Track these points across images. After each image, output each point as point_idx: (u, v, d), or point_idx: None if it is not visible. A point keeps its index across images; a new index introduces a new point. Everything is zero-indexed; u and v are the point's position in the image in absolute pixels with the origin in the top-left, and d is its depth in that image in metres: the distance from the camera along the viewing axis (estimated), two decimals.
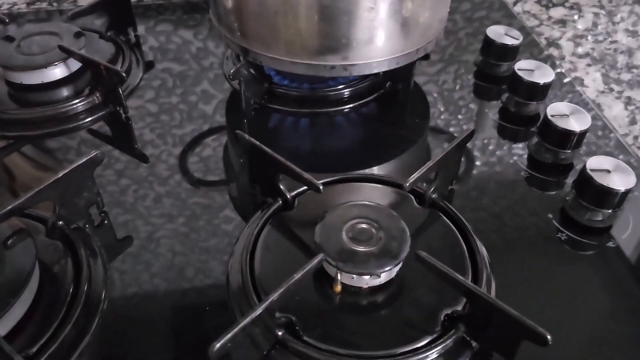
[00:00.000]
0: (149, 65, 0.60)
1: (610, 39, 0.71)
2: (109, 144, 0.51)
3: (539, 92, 0.53)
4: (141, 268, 0.40)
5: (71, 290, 0.36)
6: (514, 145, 0.52)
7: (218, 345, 0.29)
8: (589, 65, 0.66)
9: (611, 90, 0.62)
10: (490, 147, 0.51)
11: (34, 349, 0.32)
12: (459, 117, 0.55)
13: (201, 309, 0.37)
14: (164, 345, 0.35)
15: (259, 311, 0.31)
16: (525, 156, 0.50)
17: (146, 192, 0.46)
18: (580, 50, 0.69)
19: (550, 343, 0.29)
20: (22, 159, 0.50)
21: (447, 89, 0.58)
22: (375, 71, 0.49)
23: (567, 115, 0.48)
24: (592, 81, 0.63)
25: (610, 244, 0.42)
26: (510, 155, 0.50)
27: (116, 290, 0.38)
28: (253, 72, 0.54)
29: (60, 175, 0.38)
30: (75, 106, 0.52)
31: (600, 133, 0.52)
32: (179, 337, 0.35)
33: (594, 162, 0.43)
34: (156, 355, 0.34)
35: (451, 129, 0.54)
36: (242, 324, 0.30)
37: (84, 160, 0.39)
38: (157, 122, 0.53)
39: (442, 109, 0.56)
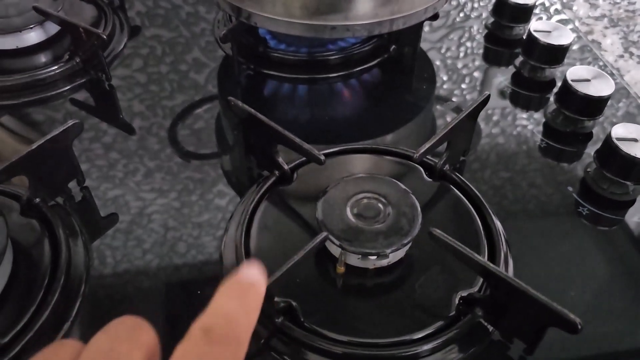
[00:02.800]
0: (134, 31, 0.56)
1: (628, 1, 0.66)
2: (91, 114, 0.47)
3: (557, 55, 0.49)
4: (129, 246, 0.37)
5: (49, 272, 0.33)
6: (529, 113, 0.48)
7: None
8: (606, 28, 0.62)
9: (631, 54, 0.58)
10: (504, 115, 0.48)
11: (7, 339, 0.29)
12: (469, 83, 0.51)
13: (193, 287, 0.35)
14: (156, 325, 0.32)
15: None
16: (541, 125, 0.47)
17: (136, 166, 0.43)
18: (596, 12, 0.64)
19: (580, 329, 0.26)
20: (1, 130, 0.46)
21: (454, 54, 0.54)
22: (380, 32, 0.45)
23: (589, 80, 0.44)
24: (610, 45, 0.59)
25: (636, 218, 0.39)
26: (525, 124, 0.47)
27: (100, 271, 0.35)
28: (246, 34, 0.50)
29: (33, 147, 0.34)
30: (53, 73, 0.48)
31: (620, 99, 0.49)
32: (168, 319, 0.33)
33: (619, 131, 0.39)
34: None
35: (460, 97, 0.50)
36: None
37: (60, 130, 0.35)
38: (145, 92, 0.49)
39: (450, 75, 0.52)
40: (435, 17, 0.49)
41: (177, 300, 0.34)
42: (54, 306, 0.31)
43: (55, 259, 0.33)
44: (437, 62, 0.54)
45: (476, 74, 0.52)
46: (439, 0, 0.47)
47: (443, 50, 0.55)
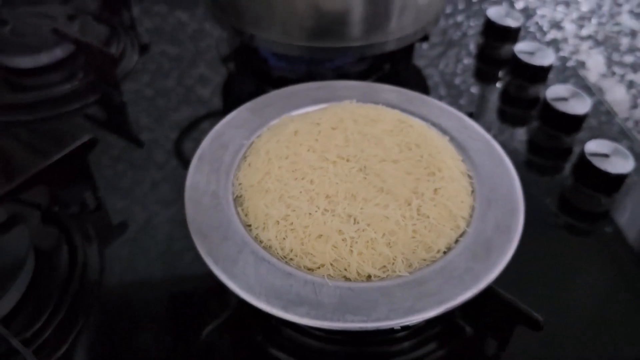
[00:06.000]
0: (144, 48, 0.59)
1: (613, 21, 0.69)
2: (103, 128, 0.50)
3: (540, 74, 0.52)
4: (138, 253, 0.39)
5: (66, 275, 0.36)
6: (514, 129, 0.51)
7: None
8: (591, 47, 0.65)
9: (613, 73, 0.61)
10: (491, 131, 0.51)
11: (30, 333, 0.32)
12: (460, 100, 0.54)
13: (198, 298, 0.36)
14: (160, 330, 0.35)
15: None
16: (525, 141, 0.50)
17: (143, 177, 0.45)
18: (583, 32, 0.67)
19: (542, 327, 0.29)
20: (18, 144, 0.49)
21: (447, 72, 0.58)
22: (373, 54, 0.49)
23: (567, 99, 0.47)
24: (595, 64, 0.62)
25: (608, 228, 0.42)
26: (510, 139, 0.50)
27: (112, 275, 0.38)
28: (248, 54, 0.53)
29: (53, 160, 0.38)
30: (69, 90, 0.51)
31: (601, 117, 0.52)
32: (175, 323, 0.35)
33: (592, 146, 0.42)
34: (151, 340, 0.34)
35: None
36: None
37: (78, 144, 0.39)
38: (153, 106, 0.52)
39: (442, 93, 0.55)
40: (425, 38, 0.52)
41: (181, 310, 0.36)
42: (70, 306, 0.34)
43: (72, 263, 0.36)
44: (435, 79, 0.56)
45: (472, 89, 0.55)
46: (430, 22, 0.50)
47: (440, 67, 0.58)
